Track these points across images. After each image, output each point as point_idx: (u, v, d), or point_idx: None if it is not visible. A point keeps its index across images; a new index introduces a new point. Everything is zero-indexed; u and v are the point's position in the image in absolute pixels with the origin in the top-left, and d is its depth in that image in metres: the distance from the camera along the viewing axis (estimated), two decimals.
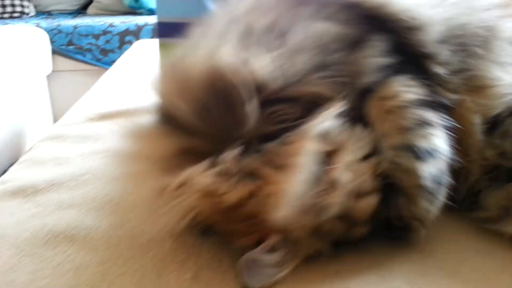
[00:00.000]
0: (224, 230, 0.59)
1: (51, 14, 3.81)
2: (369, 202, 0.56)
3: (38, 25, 3.15)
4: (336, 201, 0.54)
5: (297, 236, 0.55)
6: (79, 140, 1.01)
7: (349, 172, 0.55)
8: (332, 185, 0.54)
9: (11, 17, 3.66)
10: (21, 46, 2.76)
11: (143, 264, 0.60)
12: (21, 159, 0.94)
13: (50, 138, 1.04)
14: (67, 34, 3.14)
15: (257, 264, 0.53)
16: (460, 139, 0.63)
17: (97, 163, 0.88)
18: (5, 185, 0.82)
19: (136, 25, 3.18)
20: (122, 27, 3.17)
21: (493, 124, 0.69)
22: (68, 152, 0.95)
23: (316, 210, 0.54)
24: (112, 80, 1.60)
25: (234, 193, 0.54)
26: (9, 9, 3.66)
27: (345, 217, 0.55)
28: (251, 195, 0.54)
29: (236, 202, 0.54)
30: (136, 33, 3.17)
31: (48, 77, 3.11)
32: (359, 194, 0.56)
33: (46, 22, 3.27)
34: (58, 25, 3.17)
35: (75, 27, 3.15)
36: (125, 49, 2.99)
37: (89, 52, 3.16)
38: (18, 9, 3.69)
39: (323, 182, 0.54)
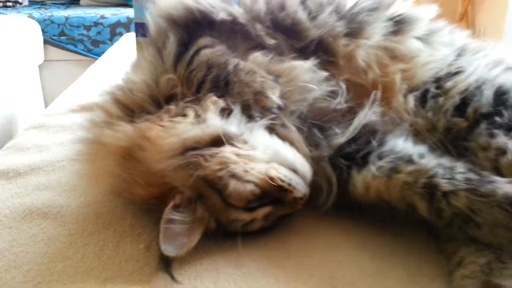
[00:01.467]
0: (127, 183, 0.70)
1: (44, 4, 3.89)
2: (245, 188, 0.65)
3: (30, 16, 3.23)
4: (212, 168, 0.65)
5: (189, 195, 0.66)
6: (59, 130, 1.12)
7: (240, 158, 0.67)
8: (216, 156, 0.66)
9: (4, 6, 3.73)
10: (13, 36, 2.83)
11: (105, 236, 0.71)
12: (6, 146, 1.04)
13: (33, 127, 1.14)
14: (59, 25, 3.22)
15: (172, 230, 0.63)
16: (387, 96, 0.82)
17: (74, 151, 0.98)
18: None
19: (127, 17, 3.26)
20: (113, 19, 3.25)
21: (423, 94, 0.84)
22: (48, 140, 1.06)
23: (191, 167, 0.65)
24: (98, 72, 1.71)
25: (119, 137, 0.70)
26: None
27: (220, 192, 0.66)
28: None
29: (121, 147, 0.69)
30: (127, 25, 3.25)
31: (40, 66, 3.19)
32: (238, 178, 0.65)
33: (38, 13, 3.35)
34: (51, 16, 3.24)
35: (67, 18, 3.22)
36: (116, 41, 3.07)
37: (81, 43, 3.24)
38: None
39: (209, 151, 0.66)
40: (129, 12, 3.33)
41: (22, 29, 2.97)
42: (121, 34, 3.17)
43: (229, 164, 0.66)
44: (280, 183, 0.67)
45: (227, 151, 0.67)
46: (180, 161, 0.66)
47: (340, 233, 0.72)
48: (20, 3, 3.81)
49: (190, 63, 0.77)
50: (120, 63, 1.77)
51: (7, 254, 0.66)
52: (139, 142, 0.68)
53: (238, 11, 0.86)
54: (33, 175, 0.90)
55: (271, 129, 0.74)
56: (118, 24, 3.25)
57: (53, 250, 0.68)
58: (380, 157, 0.71)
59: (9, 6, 3.74)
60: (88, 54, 3.24)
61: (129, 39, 2.26)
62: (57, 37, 3.23)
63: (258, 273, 0.63)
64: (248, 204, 0.66)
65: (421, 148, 0.71)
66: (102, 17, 3.26)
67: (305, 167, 0.71)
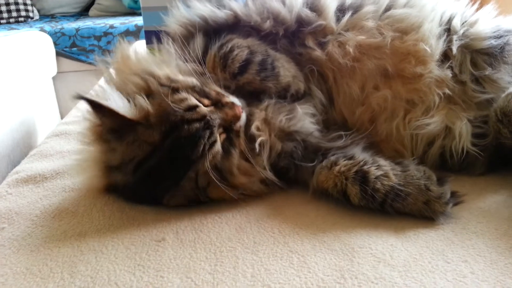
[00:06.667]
0: None
1: (54, 17, 3.98)
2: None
3: (42, 29, 3.32)
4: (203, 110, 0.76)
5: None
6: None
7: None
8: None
9: (16, 22, 3.83)
10: (27, 50, 2.92)
11: (131, 231, 0.76)
12: (31, 153, 1.10)
13: (55, 135, 1.21)
14: (70, 36, 3.30)
15: None
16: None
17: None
18: (18, 174, 0.99)
19: (136, 25, 3.33)
20: (122, 28, 3.33)
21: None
22: (70, 146, 1.12)
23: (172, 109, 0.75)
24: None
25: None
26: (14, 14, 3.83)
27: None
28: None
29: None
30: (136, 33, 3.32)
31: (54, 78, 3.28)
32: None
33: (49, 26, 3.44)
34: (61, 28, 3.33)
35: (77, 29, 3.31)
36: None
37: (92, 53, 3.32)
38: (23, 13, 3.85)
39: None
40: (137, 20, 3.40)
41: (35, 42, 3.05)
42: None
43: None
44: None
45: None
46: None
47: (353, 217, 0.77)
48: (32, 18, 3.91)
49: (221, 49, 0.85)
50: None
51: (42, 249, 0.72)
52: None
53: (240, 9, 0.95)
54: (59, 178, 0.95)
55: None
56: (127, 32, 3.33)
57: (84, 244, 0.73)
58: (333, 155, 0.84)
59: (21, 21, 3.85)
60: None
61: (138, 47, 2.32)
62: (69, 48, 3.31)
63: (274, 257, 0.68)
64: None
65: (367, 154, 0.84)
66: (112, 26, 3.33)
67: None
